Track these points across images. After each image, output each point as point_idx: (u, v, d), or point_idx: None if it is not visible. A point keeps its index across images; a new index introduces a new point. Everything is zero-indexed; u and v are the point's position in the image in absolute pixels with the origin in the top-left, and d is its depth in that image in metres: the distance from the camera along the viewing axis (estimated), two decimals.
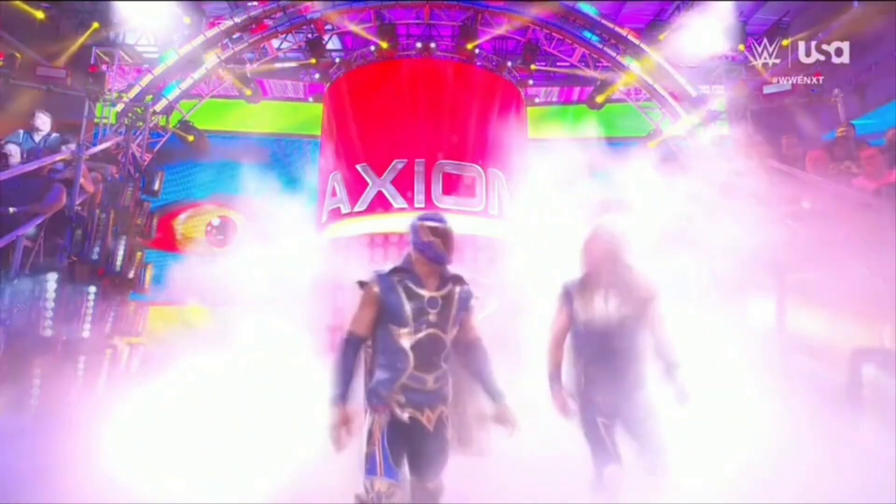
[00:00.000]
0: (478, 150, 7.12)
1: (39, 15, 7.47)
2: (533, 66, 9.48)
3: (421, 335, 2.39)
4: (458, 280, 2.53)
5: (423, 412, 2.38)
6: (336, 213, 7.18)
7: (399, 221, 6.13)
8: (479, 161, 7.08)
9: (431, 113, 7.19)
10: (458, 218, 6.70)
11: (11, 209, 4.92)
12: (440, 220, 2.51)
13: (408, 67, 7.83)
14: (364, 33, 8.92)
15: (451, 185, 6.92)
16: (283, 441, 4.07)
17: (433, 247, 2.43)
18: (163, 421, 4.38)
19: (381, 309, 2.42)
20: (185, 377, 5.17)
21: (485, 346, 2.57)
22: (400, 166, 6.96)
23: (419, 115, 7.17)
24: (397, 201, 6.82)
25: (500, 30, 9.03)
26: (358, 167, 7.11)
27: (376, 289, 2.42)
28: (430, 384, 2.39)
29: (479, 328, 2.59)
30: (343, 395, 2.33)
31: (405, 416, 2.36)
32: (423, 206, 6.69)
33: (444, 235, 2.45)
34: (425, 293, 2.42)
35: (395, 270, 2.47)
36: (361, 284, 2.46)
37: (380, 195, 6.91)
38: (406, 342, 2.39)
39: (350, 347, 2.40)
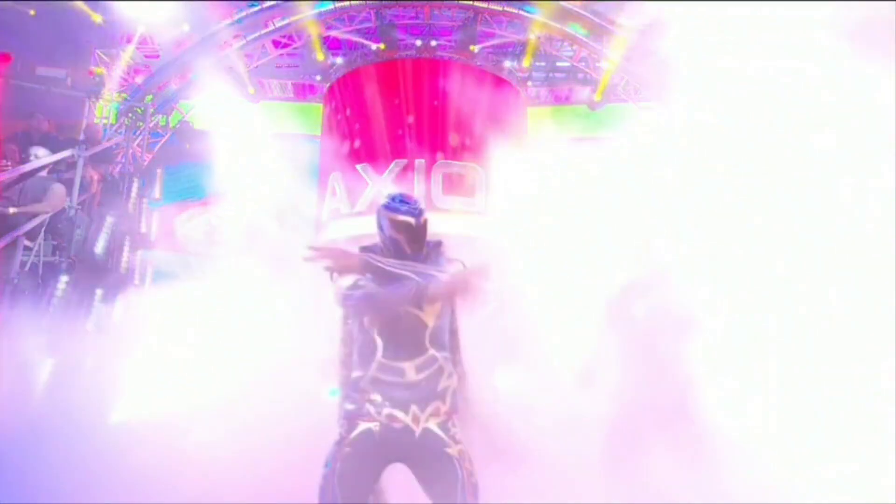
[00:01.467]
0: (478, 150, 7.13)
1: (32, 12, 7.51)
2: (526, 62, 9.47)
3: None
4: (433, 248, 2.17)
5: (407, 411, 1.89)
6: (336, 214, 7.19)
7: None
8: (479, 161, 7.09)
9: (431, 113, 7.21)
10: (458, 218, 6.74)
11: (11, 209, 4.92)
12: (408, 211, 2.10)
13: (408, 67, 7.84)
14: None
15: (451, 185, 6.93)
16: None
17: (396, 244, 2.07)
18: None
19: None
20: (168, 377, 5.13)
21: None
22: (400, 166, 6.97)
23: (419, 115, 7.18)
24: None
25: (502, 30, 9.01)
26: (358, 167, 7.13)
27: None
28: (410, 374, 1.92)
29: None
30: None
31: (382, 415, 1.88)
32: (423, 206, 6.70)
33: (408, 232, 2.08)
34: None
35: (363, 250, 2.10)
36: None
37: (380, 195, 6.91)
38: (374, 326, 1.98)
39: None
